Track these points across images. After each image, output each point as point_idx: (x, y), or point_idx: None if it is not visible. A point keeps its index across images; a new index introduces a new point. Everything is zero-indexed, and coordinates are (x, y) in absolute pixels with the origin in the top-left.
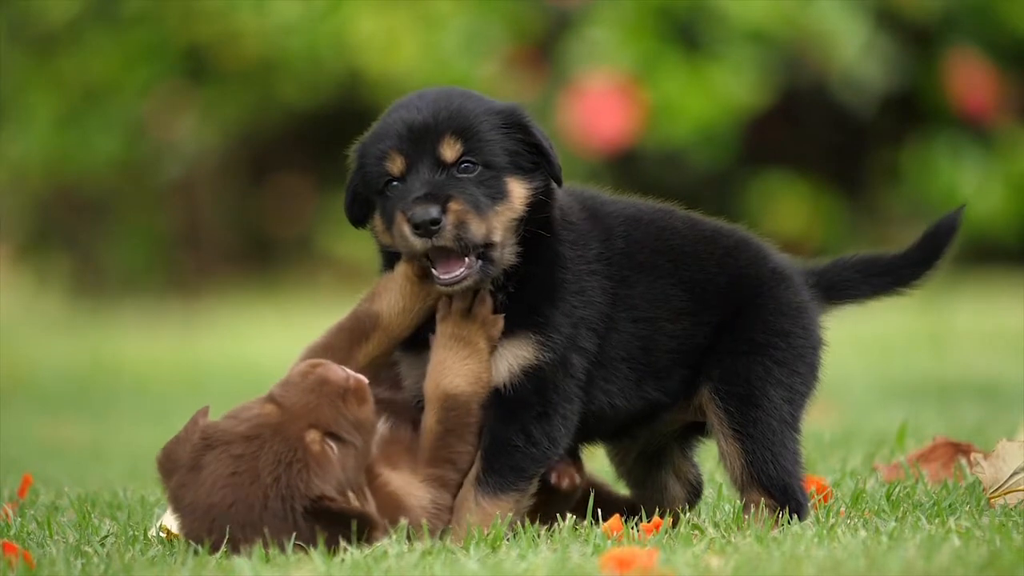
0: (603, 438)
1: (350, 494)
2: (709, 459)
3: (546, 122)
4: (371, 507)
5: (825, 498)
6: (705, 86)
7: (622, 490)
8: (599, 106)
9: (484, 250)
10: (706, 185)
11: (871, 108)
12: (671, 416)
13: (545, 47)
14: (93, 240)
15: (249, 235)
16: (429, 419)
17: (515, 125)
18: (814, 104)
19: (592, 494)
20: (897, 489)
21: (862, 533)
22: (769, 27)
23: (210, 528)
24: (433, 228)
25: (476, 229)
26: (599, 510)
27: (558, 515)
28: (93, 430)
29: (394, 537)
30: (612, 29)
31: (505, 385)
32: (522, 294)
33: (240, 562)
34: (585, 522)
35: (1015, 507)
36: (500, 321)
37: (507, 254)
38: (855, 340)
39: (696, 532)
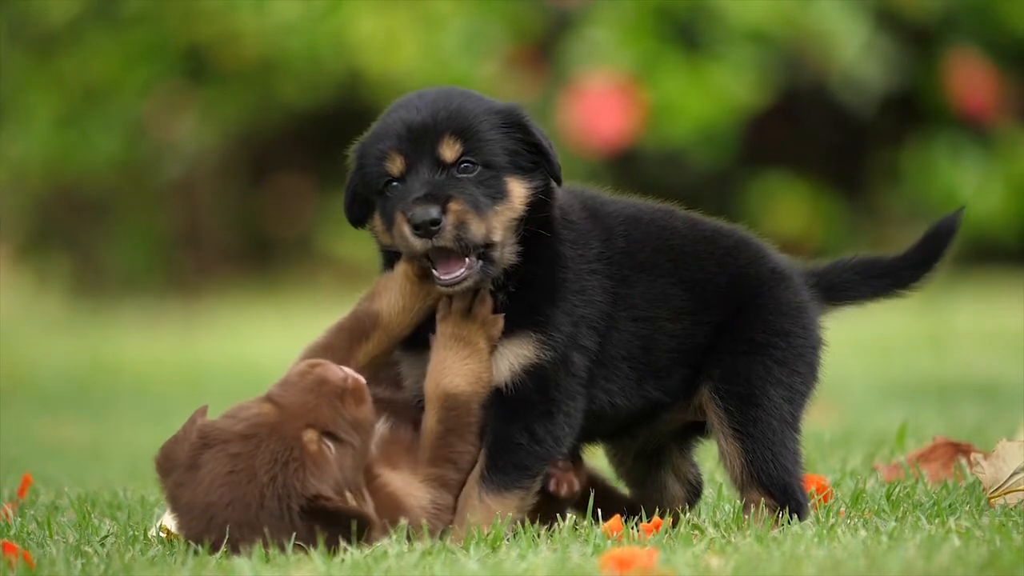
0: (603, 438)
1: (347, 494)
2: (709, 459)
3: (546, 122)
4: (369, 507)
5: (825, 498)
6: (705, 86)
7: (623, 489)
8: (599, 106)
9: (484, 250)
10: (706, 185)
11: (871, 108)
12: (671, 416)
13: (545, 47)
14: (93, 240)
15: (249, 235)
16: (429, 419)
17: (515, 125)
18: (814, 104)
19: (592, 494)
20: (897, 489)
21: (862, 533)
22: (769, 27)
23: (207, 527)
24: (433, 229)
25: (476, 229)
26: (599, 509)
27: (558, 515)
28: (93, 430)
29: (394, 537)
30: (612, 29)
31: (507, 384)
32: (522, 294)
33: (240, 562)
34: (585, 522)
35: (1015, 507)
36: (500, 321)
37: (507, 254)
38: (855, 340)
39: (696, 532)
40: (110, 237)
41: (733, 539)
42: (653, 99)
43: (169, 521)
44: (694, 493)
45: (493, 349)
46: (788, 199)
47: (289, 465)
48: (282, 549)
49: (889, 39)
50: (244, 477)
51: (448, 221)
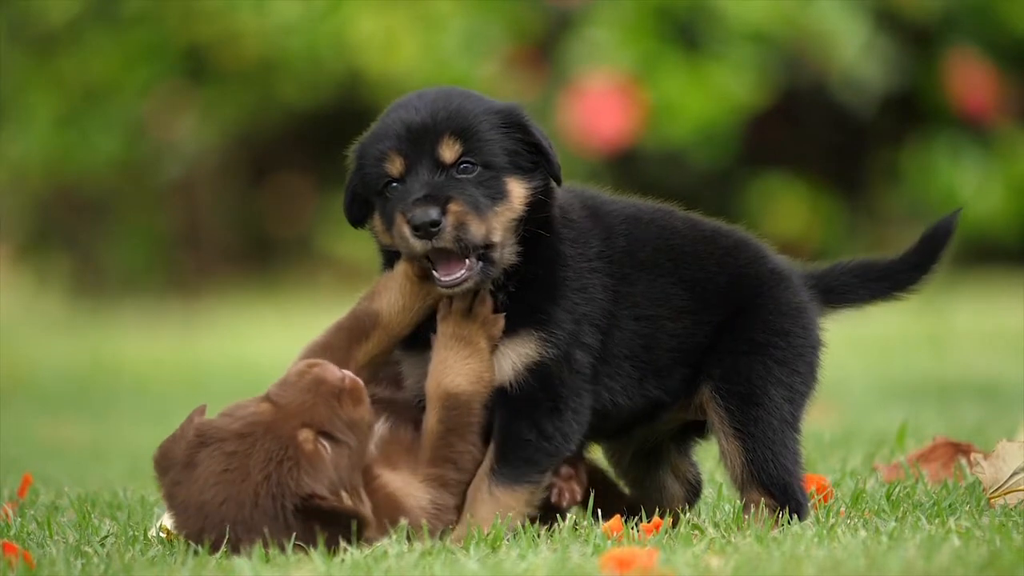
0: (603, 437)
1: (343, 494)
2: (709, 459)
3: (546, 122)
4: (366, 507)
5: (825, 498)
6: (705, 86)
7: (623, 488)
8: (599, 106)
9: (484, 251)
10: (706, 185)
11: (871, 108)
12: (671, 415)
13: (545, 47)
14: (93, 240)
15: (249, 235)
16: (430, 418)
17: (514, 125)
18: (814, 104)
19: (592, 494)
20: (897, 489)
21: (862, 533)
22: (769, 27)
23: (202, 525)
24: (433, 230)
25: (476, 230)
26: (601, 504)
27: (558, 515)
28: (93, 430)
29: (394, 537)
30: (612, 29)
31: (511, 384)
32: (523, 293)
33: (240, 562)
34: (585, 522)
35: (1015, 507)
36: (501, 320)
37: (507, 254)
38: (855, 340)
39: (696, 532)
40: (110, 237)
41: (733, 539)
42: (653, 99)
43: (169, 521)
44: (693, 492)
45: (494, 349)
46: (788, 199)
47: (284, 464)
48: (282, 549)
49: (889, 39)
50: (239, 475)
51: (448, 222)
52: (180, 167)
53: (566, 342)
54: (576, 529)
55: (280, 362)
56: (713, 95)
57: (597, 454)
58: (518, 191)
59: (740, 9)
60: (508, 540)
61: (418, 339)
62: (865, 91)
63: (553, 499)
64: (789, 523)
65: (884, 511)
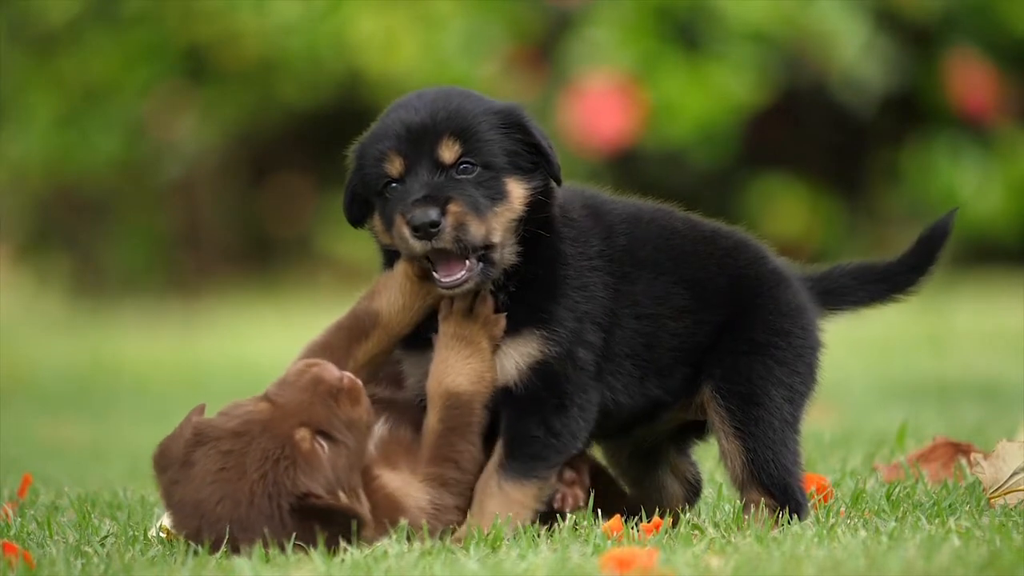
0: (604, 436)
1: (340, 493)
2: (709, 459)
3: (546, 122)
4: (364, 507)
5: (825, 498)
6: (705, 86)
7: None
8: (599, 106)
9: (484, 252)
10: (706, 185)
11: (871, 108)
12: (671, 415)
13: (545, 47)
14: (93, 240)
15: (249, 235)
16: (431, 418)
17: (514, 125)
18: (814, 104)
19: (592, 494)
20: (897, 489)
21: (862, 533)
22: (769, 27)
23: (199, 524)
24: (432, 231)
25: (475, 231)
26: (599, 509)
27: (558, 515)
28: (93, 430)
29: (394, 537)
30: (612, 29)
31: (516, 384)
32: (524, 293)
33: (240, 562)
34: (585, 522)
35: (1015, 507)
36: (502, 320)
37: (507, 254)
38: (855, 341)
39: (696, 532)
40: (110, 237)
41: (733, 539)
42: (653, 99)
43: (168, 521)
44: (693, 492)
45: (496, 349)
46: (788, 199)
47: (280, 463)
48: (282, 549)
49: (889, 39)
50: (235, 474)
51: (447, 223)
52: (180, 167)
53: (569, 340)
54: (576, 529)
55: (280, 362)
56: (713, 95)
57: (596, 454)
58: (518, 191)
59: (740, 9)
60: (508, 540)
61: (419, 338)
62: (865, 91)
63: (556, 504)
64: (789, 523)
65: (884, 511)
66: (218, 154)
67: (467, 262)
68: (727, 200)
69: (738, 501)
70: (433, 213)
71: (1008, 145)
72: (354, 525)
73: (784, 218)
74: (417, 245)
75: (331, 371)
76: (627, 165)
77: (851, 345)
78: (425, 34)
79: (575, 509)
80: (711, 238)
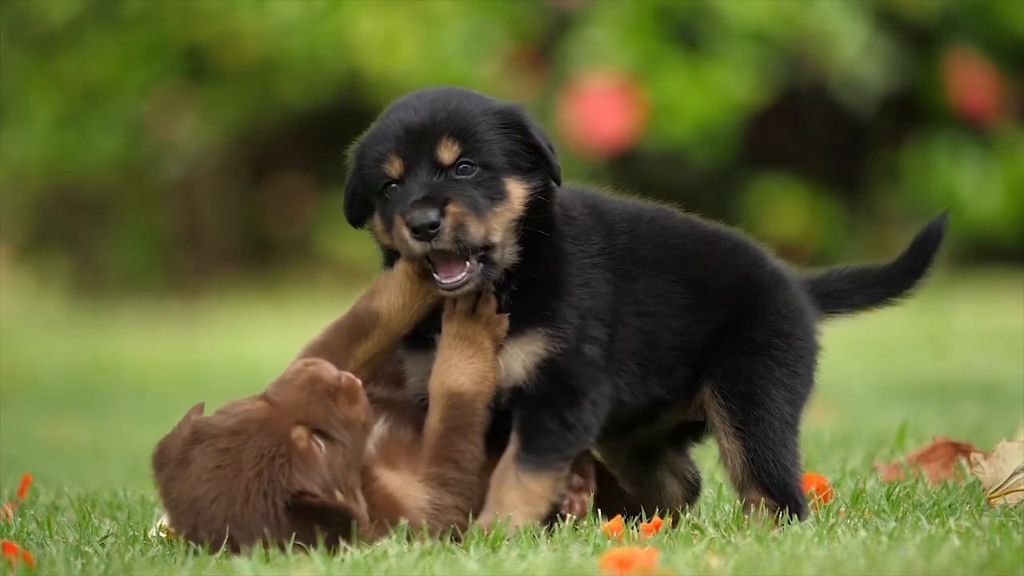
0: (605, 436)
1: (337, 492)
2: (709, 459)
3: (546, 122)
4: (361, 507)
5: (825, 498)
6: (705, 86)
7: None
8: (599, 106)
9: (484, 252)
10: (706, 185)
11: (871, 108)
12: (670, 415)
13: (545, 47)
14: (93, 240)
15: (249, 235)
16: (433, 417)
17: (513, 125)
18: (814, 104)
19: (593, 493)
20: (897, 489)
21: (862, 533)
22: (769, 27)
23: (195, 522)
24: (432, 232)
25: (475, 231)
26: (599, 509)
27: (558, 515)
28: (93, 430)
29: (394, 537)
30: (612, 29)
31: (526, 383)
32: (527, 292)
33: (240, 562)
34: (585, 522)
35: (1015, 507)
36: (505, 321)
37: (507, 254)
38: (855, 340)
39: (696, 532)
40: (110, 237)
41: (733, 539)
42: (653, 99)
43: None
44: (692, 491)
45: (499, 349)
46: (787, 199)
47: (275, 461)
48: (281, 548)
49: (889, 39)
50: (231, 472)
51: (447, 224)
52: (180, 167)
53: (574, 336)
54: (576, 529)
55: (280, 362)
56: (713, 95)
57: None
58: (517, 191)
59: (740, 9)
60: (508, 540)
61: (421, 338)
62: (865, 91)
63: (563, 510)
64: (789, 523)
65: (884, 511)
66: (218, 154)
67: (467, 263)
68: (727, 200)
69: (738, 501)
70: (432, 214)
71: (1008, 145)
72: (354, 525)
73: (784, 218)
74: (417, 246)
75: (329, 370)
76: (627, 165)
77: (851, 345)
78: (425, 34)
79: (582, 515)
80: (711, 238)
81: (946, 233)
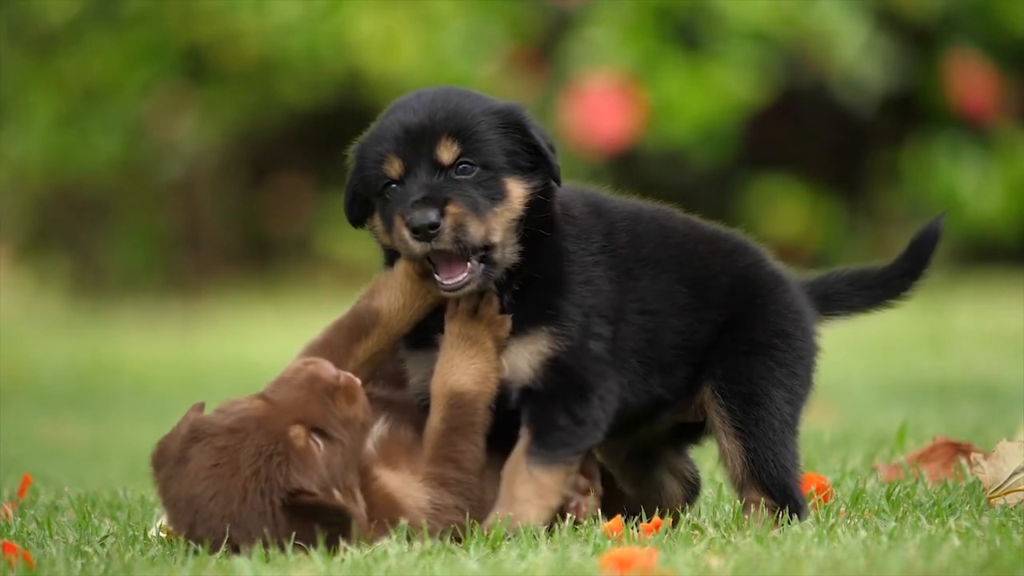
0: (606, 436)
1: (335, 491)
2: (709, 459)
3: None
4: (360, 507)
5: (825, 498)
6: (705, 86)
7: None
8: (599, 106)
9: (485, 252)
10: (706, 185)
11: (871, 108)
12: (670, 415)
13: (545, 47)
14: (93, 240)
15: (249, 235)
16: (434, 417)
17: (513, 125)
18: (814, 104)
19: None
20: (897, 489)
21: (862, 533)
22: (769, 27)
23: (193, 520)
24: (432, 232)
25: (475, 231)
26: (599, 509)
27: (558, 515)
28: (93, 430)
29: (394, 537)
30: (612, 29)
31: (533, 382)
32: (529, 291)
33: (240, 562)
34: (585, 522)
35: (1015, 507)
36: (507, 321)
37: (508, 254)
38: (855, 341)
39: (696, 532)
40: (110, 237)
41: (733, 539)
42: (653, 99)
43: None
44: (692, 491)
45: (501, 349)
46: (787, 199)
47: (273, 459)
48: (281, 548)
49: (889, 39)
50: (228, 470)
51: (447, 224)
52: (180, 167)
53: (579, 334)
54: (576, 529)
55: (280, 362)
56: (713, 95)
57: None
58: (517, 191)
59: (740, 9)
60: (508, 540)
61: (423, 338)
62: (865, 91)
63: (570, 513)
64: (789, 523)
65: (884, 511)
66: (218, 154)
67: (468, 263)
68: (727, 200)
69: (738, 501)
70: (432, 215)
71: (1008, 145)
72: (354, 525)
73: (784, 218)
74: (417, 247)
75: (328, 369)
76: (627, 165)
77: (851, 345)
78: (425, 34)
79: (588, 518)
80: (711, 239)
81: (943, 235)
